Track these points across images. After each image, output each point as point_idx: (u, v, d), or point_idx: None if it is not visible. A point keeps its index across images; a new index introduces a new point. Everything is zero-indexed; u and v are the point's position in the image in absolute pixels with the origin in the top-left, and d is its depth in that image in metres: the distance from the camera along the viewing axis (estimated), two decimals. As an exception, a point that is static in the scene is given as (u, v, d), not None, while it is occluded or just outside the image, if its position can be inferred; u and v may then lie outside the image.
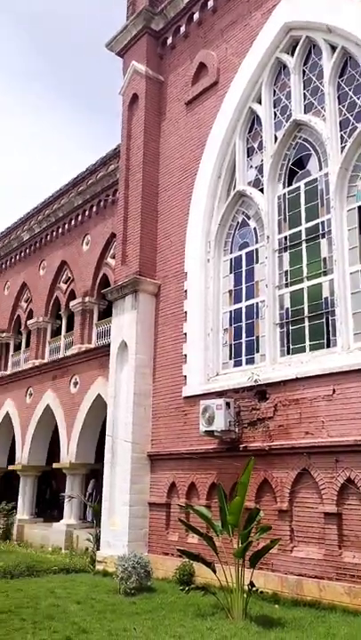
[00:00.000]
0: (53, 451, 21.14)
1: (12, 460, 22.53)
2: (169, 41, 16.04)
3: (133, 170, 15.66)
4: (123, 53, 17.03)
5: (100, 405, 18.13)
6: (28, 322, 23.11)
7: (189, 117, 14.86)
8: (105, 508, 13.48)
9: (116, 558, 10.65)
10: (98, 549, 13.47)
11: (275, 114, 12.88)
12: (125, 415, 13.67)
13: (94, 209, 20.46)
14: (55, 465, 19.17)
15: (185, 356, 13.14)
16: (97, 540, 13.73)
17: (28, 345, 23.73)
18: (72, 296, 20.95)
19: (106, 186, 19.78)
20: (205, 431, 11.43)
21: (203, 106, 14.47)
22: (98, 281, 19.84)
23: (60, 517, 18.80)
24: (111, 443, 13.90)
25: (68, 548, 17.09)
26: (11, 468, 21.52)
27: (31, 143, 65.63)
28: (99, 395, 17.94)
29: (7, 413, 22.87)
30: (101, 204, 20.18)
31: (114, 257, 19.37)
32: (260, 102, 13.16)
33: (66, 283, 21.77)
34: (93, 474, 19.56)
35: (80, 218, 21.18)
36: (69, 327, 21.16)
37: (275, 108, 12.93)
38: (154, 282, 14.47)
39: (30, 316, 23.38)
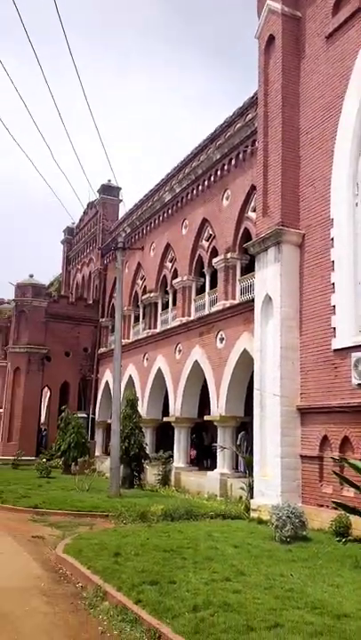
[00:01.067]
0: (204, 404, 21.90)
1: (165, 412, 23.80)
2: (305, -30, 14.88)
3: (272, 116, 15.04)
4: (256, -7, 16.19)
5: (246, 360, 18.28)
6: (174, 281, 23.80)
7: (331, 52, 13.79)
8: (257, 460, 13.70)
9: (269, 507, 10.82)
10: (251, 498, 13.81)
11: None
12: (273, 369, 13.59)
13: (233, 162, 20.16)
14: (206, 417, 19.88)
15: (333, 307, 12.60)
16: (250, 489, 14.05)
17: (174, 303, 24.54)
18: (214, 253, 21.10)
19: (244, 137, 19.35)
20: (359, 384, 10.98)
21: (346, 36, 13.31)
22: (239, 236, 19.70)
23: (212, 467, 19.55)
24: (260, 397, 13.97)
25: (222, 495, 17.79)
26: (165, 419, 22.73)
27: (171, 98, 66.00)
28: (245, 350, 18.06)
29: (159, 369, 24.05)
30: (240, 156, 19.80)
31: (254, 210, 19.02)
32: None
33: (208, 240, 21.94)
34: (243, 426, 19.95)
35: (219, 173, 21.04)
36: (213, 284, 21.42)
37: None
38: (297, 232, 13.96)
39: (175, 275, 24.04)
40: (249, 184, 19.02)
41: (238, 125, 19.88)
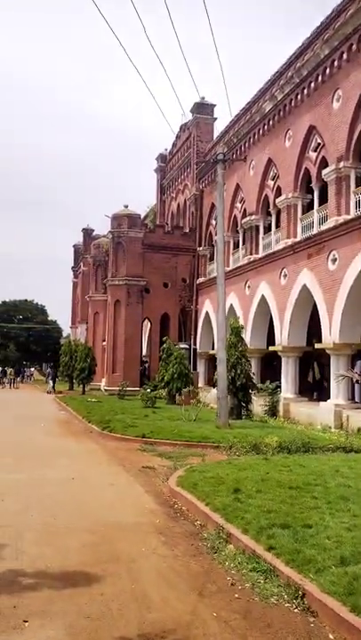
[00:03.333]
0: (312, 332, 20.42)
1: (270, 341, 22.60)
2: None
3: None
4: None
5: (364, 281, 16.50)
6: (277, 200, 21.88)
7: None
8: (382, 389, 12.24)
9: None
10: (376, 431, 12.48)
11: None
12: None
13: (345, 56, 17.51)
14: (318, 345, 18.45)
15: None
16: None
17: (278, 225, 22.75)
18: (323, 164, 18.89)
19: (358, 24, 16.58)
20: None
21: None
22: (354, 141, 17.33)
23: (321, 398, 18.24)
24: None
25: (337, 427, 16.58)
26: (271, 349, 21.54)
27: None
28: (362, 269, 16.23)
29: (263, 296, 22.68)
30: (353, 47, 17.10)
31: (373, 108, 16.64)
32: None
33: (315, 150, 19.66)
34: (359, 355, 18.36)
35: (328, 71, 18.46)
36: (322, 200, 19.34)
37: None
38: None
39: (278, 193, 22.08)
40: (366, 78, 16.46)
41: (351, 11, 17.06)
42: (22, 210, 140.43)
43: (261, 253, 23.70)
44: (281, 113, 21.77)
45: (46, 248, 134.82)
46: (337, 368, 17.50)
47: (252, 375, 17.25)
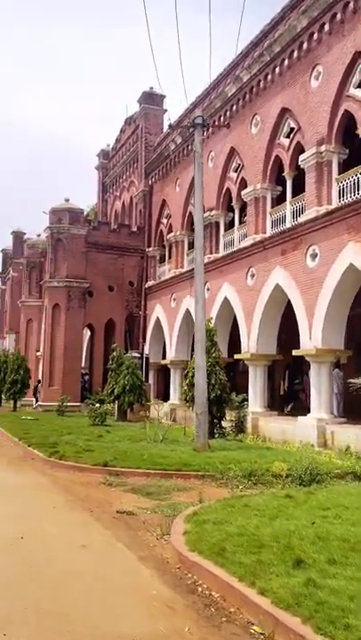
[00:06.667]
0: (285, 338, 18.30)
1: (233, 349, 20.28)
2: None
3: None
4: None
5: (352, 278, 14.54)
6: (243, 192, 19.71)
7: None
8: None
9: None
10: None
11: None
12: None
13: (326, 27, 15.66)
14: (295, 352, 16.24)
15: None
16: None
17: (241, 221, 20.60)
18: (299, 150, 16.92)
19: (342, -9, 14.77)
20: None
21: None
22: (337, 123, 15.43)
23: (294, 412, 16.01)
24: None
25: (320, 445, 14.43)
26: (237, 357, 19.17)
27: None
28: (351, 265, 14.25)
29: (225, 299, 20.37)
30: (338, 16, 15.27)
31: (360, 86, 14.82)
32: None
33: (288, 137, 17.68)
34: (336, 364, 16.39)
35: (305, 45, 16.54)
36: (296, 191, 17.35)
37: None
38: None
39: (243, 185, 19.93)
40: (351, 52, 14.67)
41: (332, -21, 15.26)
42: None
43: (223, 252, 21.43)
44: (247, 96, 19.70)
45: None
46: (318, 377, 15.37)
47: (228, 385, 14.75)
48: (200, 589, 4.70)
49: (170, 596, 4.57)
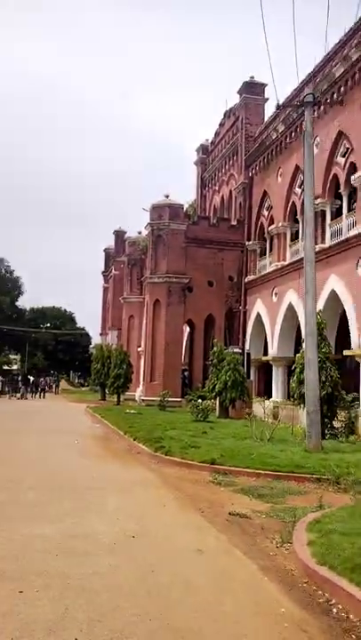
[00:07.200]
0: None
1: (342, 344, 19.12)
2: None
3: None
4: None
5: None
6: (351, 177, 18.53)
7: None
8: None
9: None
10: None
11: None
12: None
13: None
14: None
15: None
16: None
17: (350, 209, 19.40)
18: None
19: None
20: None
21: None
22: None
23: None
24: None
25: None
26: (347, 353, 18.03)
27: None
28: None
29: (332, 291, 19.27)
30: None
31: None
32: None
33: None
34: None
35: None
36: None
37: None
38: None
39: (353, 170, 18.72)
40: None
41: None
42: (52, 225, 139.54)
43: (329, 242, 20.30)
44: (356, 76, 18.48)
45: (76, 260, 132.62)
46: None
47: (339, 383, 13.80)
48: (335, 610, 4.08)
49: (301, 616, 4.00)
